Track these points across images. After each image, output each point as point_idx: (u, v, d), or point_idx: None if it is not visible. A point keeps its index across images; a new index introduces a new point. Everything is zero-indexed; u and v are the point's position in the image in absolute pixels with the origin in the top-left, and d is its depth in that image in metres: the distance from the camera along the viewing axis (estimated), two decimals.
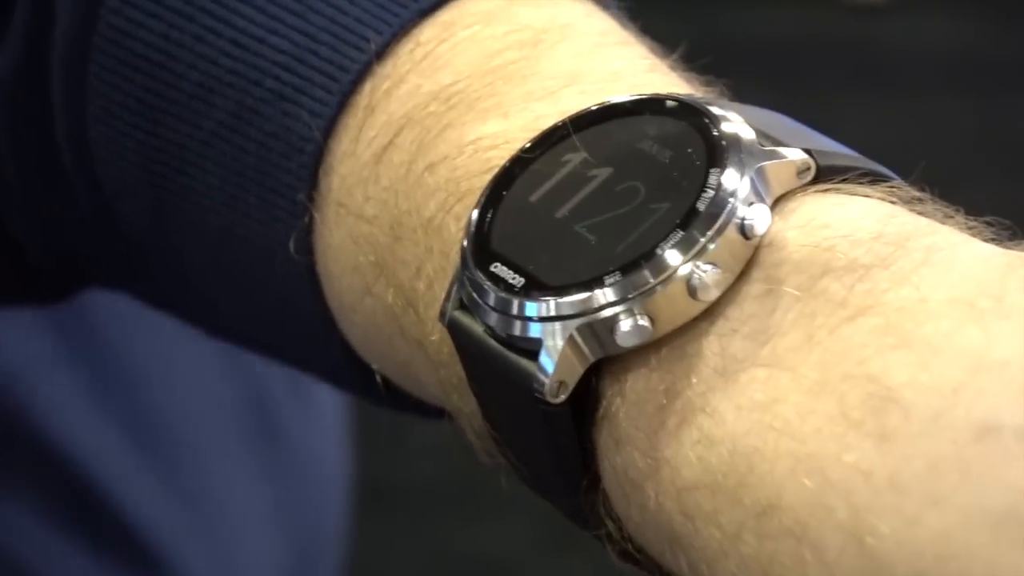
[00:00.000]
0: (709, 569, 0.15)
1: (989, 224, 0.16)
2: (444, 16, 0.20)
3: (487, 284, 0.16)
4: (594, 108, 0.18)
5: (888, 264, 0.15)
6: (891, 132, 2.04)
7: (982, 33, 2.38)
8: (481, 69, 0.19)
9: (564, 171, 0.17)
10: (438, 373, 0.19)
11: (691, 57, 0.21)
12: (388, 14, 0.20)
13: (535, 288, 0.16)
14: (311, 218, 0.20)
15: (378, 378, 0.21)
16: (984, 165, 2.05)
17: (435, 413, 0.21)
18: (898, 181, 0.17)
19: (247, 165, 0.21)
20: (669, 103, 0.17)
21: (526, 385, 0.16)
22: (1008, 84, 2.18)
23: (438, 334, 0.18)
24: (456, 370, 0.18)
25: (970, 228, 0.16)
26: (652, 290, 0.15)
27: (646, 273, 0.15)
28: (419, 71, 0.20)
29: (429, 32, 0.20)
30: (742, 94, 0.19)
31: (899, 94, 2.21)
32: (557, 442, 0.17)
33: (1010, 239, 0.16)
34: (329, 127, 0.20)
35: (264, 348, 0.25)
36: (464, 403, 0.18)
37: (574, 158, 0.17)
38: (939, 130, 2.10)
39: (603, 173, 0.17)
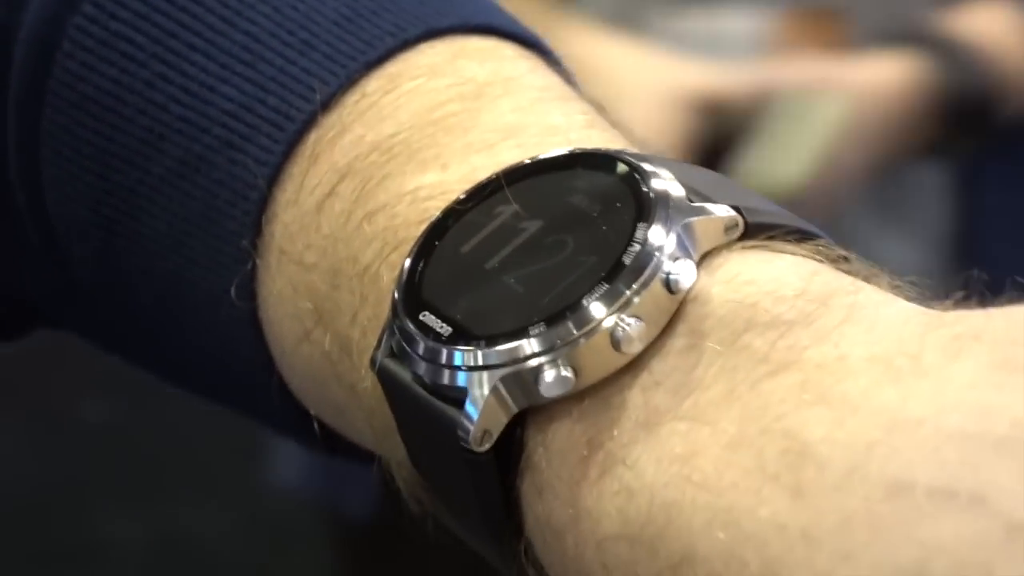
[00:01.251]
0: None
1: (913, 283, 0.17)
2: (391, 68, 0.20)
3: (416, 333, 0.17)
4: (527, 162, 0.18)
5: (810, 321, 0.15)
6: None
7: None
8: (423, 120, 0.20)
9: (495, 223, 0.17)
10: (370, 419, 0.19)
11: None
12: (336, 65, 0.20)
13: (462, 338, 0.16)
14: (254, 265, 0.20)
15: (315, 423, 0.21)
16: None
17: (369, 458, 0.21)
18: (825, 239, 0.17)
19: (194, 211, 0.21)
20: (600, 158, 0.18)
21: (451, 433, 0.16)
22: None
23: (370, 381, 0.18)
24: (386, 417, 0.18)
25: (894, 287, 0.16)
26: (576, 342, 0.16)
27: (570, 325, 0.16)
28: (363, 121, 0.20)
29: (375, 83, 0.20)
30: None
31: None
32: (481, 490, 0.17)
33: (931, 298, 0.16)
34: (274, 175, 0.20)
35: (207, 391, 0.25)
36: (394, 450, 0.19)
37: (506, 210, 0.17)
38: None
39: (533, 226, 0.17)
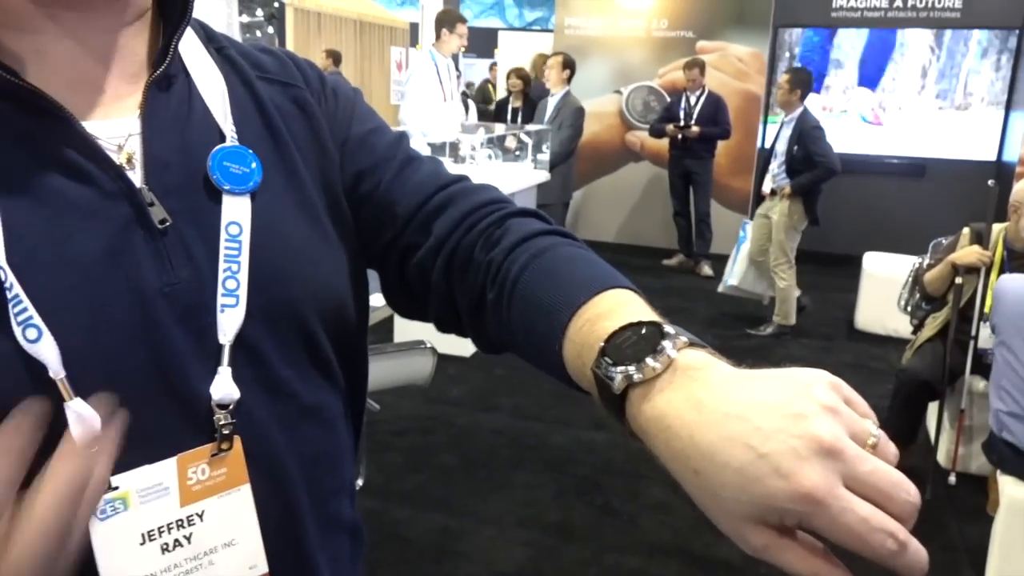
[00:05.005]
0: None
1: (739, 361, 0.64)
2: (600, 296, 0.70)
3: (603, 362, 0.64)
4: (644, 320, 0.66)
5: (705, 367, 0.61)
6: None
7: None
8: (610, 310, 0.69)
9: (634, 335, 0.64)
10: (591, 386, 0.66)
11: None
12: (585, 294, 0.70)
13: (617, 364, 0.64)
14: (562, 341, 0.69)
15: (579, 384, 0.69)
16: None
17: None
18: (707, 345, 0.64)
19: (545, 318, 0.71)
20: (656, 323, 0.66)
21: (610, 388, 0.63)
22: None
23: (591, 373, 0.65)
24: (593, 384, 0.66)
25: (730, 361, 0.63)
26: (648, 367, 0.62)
27: (649, 360, 0.62)
28: (592, 309, 0.69)
29: (594, 300, 0.68)
30: None
31: None
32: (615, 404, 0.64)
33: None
34: (569, 319, 0.69)
35: (542, 368, 0.74)
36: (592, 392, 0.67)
37: (635, 333, 0.65)
38: None
39: (635, 335, 0.65)
